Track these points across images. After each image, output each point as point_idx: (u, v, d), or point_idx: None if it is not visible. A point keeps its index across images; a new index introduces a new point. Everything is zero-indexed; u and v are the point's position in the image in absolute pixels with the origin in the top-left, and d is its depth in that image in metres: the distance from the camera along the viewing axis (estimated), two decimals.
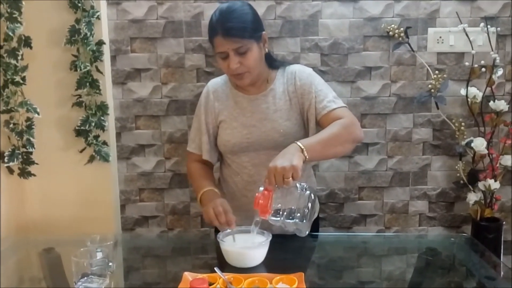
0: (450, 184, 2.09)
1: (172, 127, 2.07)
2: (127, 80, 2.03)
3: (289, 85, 1.61)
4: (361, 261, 1.57)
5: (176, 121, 2.06)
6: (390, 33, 1.95)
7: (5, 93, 1.80)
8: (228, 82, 1.67)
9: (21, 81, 1.82)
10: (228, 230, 1.45)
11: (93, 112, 1.91)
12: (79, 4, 1.82)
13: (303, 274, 1.24)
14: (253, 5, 1.56)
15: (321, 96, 1.56)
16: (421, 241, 1.85)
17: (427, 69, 1.99)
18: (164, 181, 2.11)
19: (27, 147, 1.87)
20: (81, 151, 1.96)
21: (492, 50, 1.90)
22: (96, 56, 1.87)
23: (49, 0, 1.85)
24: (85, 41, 1.83)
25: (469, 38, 1.92)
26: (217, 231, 1.69)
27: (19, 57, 1.79)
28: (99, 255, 1.28)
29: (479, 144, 1.92)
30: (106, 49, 1.94)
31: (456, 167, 2.01)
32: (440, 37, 1.98)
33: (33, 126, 1.87)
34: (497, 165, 1.97)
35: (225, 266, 1.35)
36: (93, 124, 1.90)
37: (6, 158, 1.84)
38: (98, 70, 1.90)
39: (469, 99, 1.96)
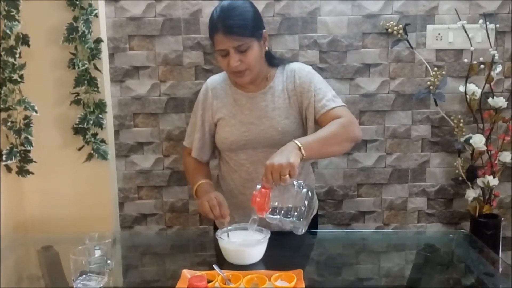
0: (449, 180, 2.09)
1: (171, 125, 2.06)
2: (125, 78, 2.03)
3: (289, 83, 1.60)
4: (360, 257, 1.57)
5: (175, 118, 2.06)
6: (389, 30, 1.95)
7: (3, 91, 1.80)
8: (227, 79, 1.67)
9: (19, 79, 1.81)
10: (227, 228, 1.45)
11: (91, 110, 1.90)
12: (77, 2, 1.81)
13: (301, 271, 1.24)
14: (253, 2, 1.56)
15: (320, 95, 1.56)
16: (419, 237, 1.85)
17: (426, 66, 1.99)
18: (163, 179, 2.11)
19: (25, 145, 1.87)
20: (79, 149, 1.95)
21: (491, 47, 1.90)
22: (94, 54, 1.86)
23: None
24: (83, 39, 1.83)
25: (468, 35, 1.92)
26: (216, 228, 1.70)
27: (17, 55, 1.79)
28: (98, 253, 1.28)
29: (478, 140, 1.92)
30: (104, 47, 1.94)
31: (455, 163, 2.01)
32: (439, 34, 1.98)
33: (31, 124, 1.86)
34: (496, 161, 1.97)
35: (223, 263, 1.35)
36: (91, 122, 1.90)
37: (4, 156, 1.84)
38: (96, 68, 1.89)
39: (468, 96, 1.96)
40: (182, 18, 1.98)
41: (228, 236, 1.42)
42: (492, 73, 1.92)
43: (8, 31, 1.75)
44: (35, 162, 1.91)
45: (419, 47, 2.00)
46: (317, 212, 1.80)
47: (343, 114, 1.52)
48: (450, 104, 2.03)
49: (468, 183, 2.00)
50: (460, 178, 2.01)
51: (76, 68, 1.85)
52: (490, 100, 1.94)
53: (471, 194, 1.98)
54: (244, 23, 1.47)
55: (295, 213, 1.30)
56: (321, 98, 1.55)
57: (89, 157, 1.95)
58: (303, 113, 1.59)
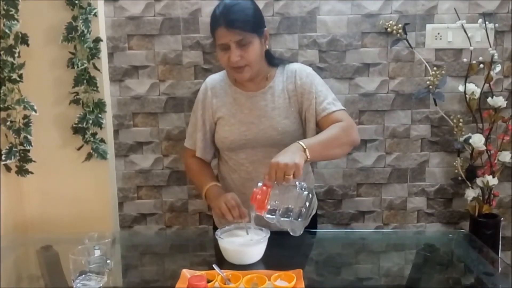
0: (448, 180, 2.09)
1: (170, 124, 2.06)
2: (125, 77, 2.03)
3: (289, 84, 1.61)
4: (360, 257, 1.57)
5: (174, 118, 2.05)
6: (388, 29, 1.95)
7: (2, 91, 1.80)
8: (226, 78, 1.67)
9: (18, 79, 1.81)
10: (227, 227, 1.46)
11: (91, 109, 1.90)
12: (76, 1, 1.81)
13: (301, 270, 1.24)
14: (254, 1, 1.57)
15: (321, 97, 1.57)
16: (419, 237, 1.85)
17: (425, 66, 1.99)
18: (162, 179, 2.11)
19: (25, 145, 1.87)
20: (78, 149, 1.95)
21: (490, 46, 1.90)
22: (93, 53, 1.86)
23: None
24: (82, 38, 1.82)
25: (467, 35, 1.91)
26: (215, 228, 1.70)
27: (16, 55, 1.79)
28: (97, 253, 1.28)
29: (477, 140, 1.92)
30: (103, 46, 1.94)
31: (454, 163, 2.01)
32: (438, 34, 1.98)
33: (30, 124, 1.86)
34: (495, 161, 1.97)
35: (223, 263, 1.35)
36: (90, 121, 1.90)
37: (3, 156, 1.84)
38: (95, 68, 1.89)
39: (467, 96, 1.96)
40: (181, 18, 1.98)
41: (247, 233, 1.44)
42: (491, 72, 1.92)
43: (7, 30, 1.75)
44: (34, 161, 1.91)
45: (418, 47, 1.99)
46: (316, 212, 1.80)
47: (343, 118, 1.55)
48: (449, 104, 2.03)
49: (468, 182, 2.00)
50: (460, 178, 2.02)
51: (75, 67, 1.84)
52: (489, 99, 1.94)
53: (470, 193, 1.98)
54: (246, 18, 1.49)
55: (295, 214, 1.30)
56: (322, 101, 1.57)
57: (89, 156, 1.95)
58: (303, 114, 1.60)
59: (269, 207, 1.31)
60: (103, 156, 1.94)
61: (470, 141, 1.93)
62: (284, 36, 1.99)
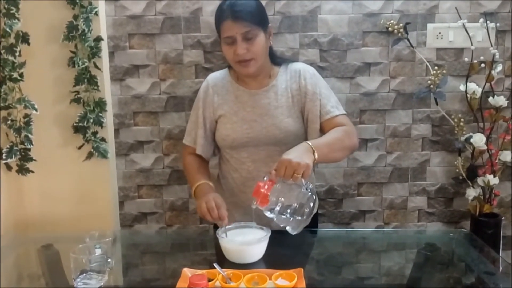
0: (449, 179, 2.09)
1: (171, 124, 2.06)
2: (125, 76, 2.03)
3: (293, 83, 1.61)
4: (360, 256, 1.56)
5: (175, 117, 2.05)
6: (389, 29, 1.94)
7: (2, 90, 1.80)
8: (228, 76, 1.66)
9: (19, 78, 1.81)
10: (228, 226, 1.45)
11: (91, 108, 1.90)
12: (77, 0, 1.81)
13: (302, 269, 1.24)
14: None
15: (325, 100, 1.59)
16: (420, 236, 1.85)
17: (426, 65, 1.98)
18: (163, 178, 2.11)
19: (25, 144, 1.87)
20: (79, 148, 1.95)
21: (492, 46, 1.90)
22: (94, 52, 1.86)
23: None
24: (83, 37, 1.82)
25: (468, 34, 1.91)
26: (216, 227, 1.70)
27: (17, 54, 1.79)
28: (98, 252, 1.28)
29: (478, 139, 1.92)
30: (104, 45, 1.93)
31: (455, 162, 2.01)
32: (440, 33, 1.97)
33: (31, 123, 1.86)
34: (496, 160, 1.97)
35: (224, 262, 1.35)
36: (91, 120, 1.90)
37: (4, 154, 1.84)
38: (96, 67, 1.89)
39: (468, 95, 1.95)
40: (182, 17, 1.98)
41: (226, 236, 1.40)
42: (492, 72, 1.92)
43: (8, 29, 1.75)
44: (35, 160, 1.91)
45: (419, 46, 1.99)
46: (317, 211, 1.80)
47: (346, 122, 1.58)
48: (450, 103, 2.03)
49: (469, 182, 2.00)
50: (461, 177, 2.01)
51: (76, 66, 1.84)
52: (490, 99, 1.94)
53: (471, 193, 1.98)
54: (252, 10, 1.51)
55: (297, 213, 1.30)
56: (325, 104, 1.58)
57: (89, 155, 1.95)
58: (305, 114, 1.60)
59: (270, 201, 1.31)
60: (103, 155, 1.94)
61: (471, 140, 1.93)
62: (285, 35, 1.99)
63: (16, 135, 1.85)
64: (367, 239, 1.71)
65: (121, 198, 2.12)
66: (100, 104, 1.91)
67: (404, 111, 2.05)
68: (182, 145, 1.77)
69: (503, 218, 2.01)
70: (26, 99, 1.82)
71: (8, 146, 1.85)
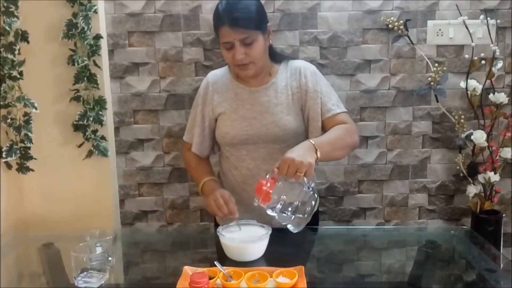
0: (450, 177, 2.08)
1: (171, 121, 2.06)
2: (125, 74, 2.02)
3: (293, 80, 1.60)
4: (361, 254, 1.57)
5: (175, 115, 2.05)
6: (390, 25, 1.94)
7: (2, 88, 1.79)
8: (228, 73, 1.66)
9: (19, 76, 1.80)
10: (230, 224, 1.45)
11: (91, 106, 1.89)
12: None
13: (303, 267, 1.24)
14: None
15: (326, 98, 1.59)
16: (420, 234, 1.85)
17: (427, 62, 1.98)
18: (163, 176, 2.10)
19: (25, 142, 1.86)
20: (79, 146, 1.95)
21: (492, 43, 1.90)
22: (94, 50, 1.85)
23: None
24: (83, 35, 1.82)
25: (468, 31, 1.91)
26: (216, 225, 1.70)
27: (16, 52, 1.78)
28: (99, 250, 1.28)
29: (479, 136, 1.92)
30: (104, 43, 1.93)
31: (456, 159, 2.01)
32: (440, 30, 1.97)
33: (31, 121, 1.86)
34: (497, 157, 1.97)
35: (225, 260, 1.35)
36: (91, 118, 1.89)
37: (4, 153, 1.83)
38: (95, 65, 1.88)
39: (468, 92, 1.95)
40: (182, 14, 1.97)
41: (240, 229, 1.42)
42: (493, 69, 1.91)
43: (7, 27, 1.74)
44: (35, 159, 1.91)
45: (419, 43, 1.99)
46: (318, 209, 1.80)
47: (347, 120, 1.58)
48: (451, 100, 2.02)
49: (469, 179, 2.00)
50: (461, 174, 2.01)
51: (76, 64, 1.84)
52: (491, 96, 1.94)
53: (472, 190, 1.98)
54: (250, 15, 1.48)
55: (298, 212, 1.30)
56: (326, 102, 1.58)
57: (89, 154, 1.95)
58: (305, 112, 1.60)
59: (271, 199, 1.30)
60: (104, 153, 1.94)
61: (472, 137, 1.93)
62: (285, 32, 1.98)
63: (16, 133, 1.84)
64: (367, 237, 1.72)
65: (122, 196, 2.11)
66: (100, 102, 1.91)
67: (404, 108, 2.05)
68: (183, 143, 1.77)
69: (503, 215, 2.01)
70: (25, 97, 1.82)
71: (8, 145, 1.85)
